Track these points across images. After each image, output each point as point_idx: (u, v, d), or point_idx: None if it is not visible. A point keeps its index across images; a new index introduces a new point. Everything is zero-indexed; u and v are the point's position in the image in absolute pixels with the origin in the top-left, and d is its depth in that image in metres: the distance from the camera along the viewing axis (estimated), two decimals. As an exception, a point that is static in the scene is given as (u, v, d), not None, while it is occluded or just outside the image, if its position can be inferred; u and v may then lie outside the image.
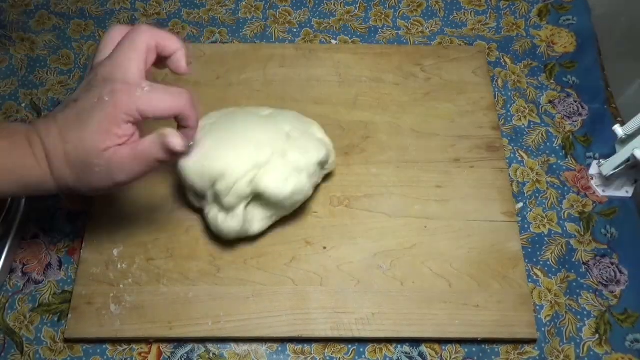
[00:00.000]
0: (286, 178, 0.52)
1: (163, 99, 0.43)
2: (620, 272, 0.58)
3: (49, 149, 0.42)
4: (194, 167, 0.53)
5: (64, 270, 0.58)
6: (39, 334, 0.55)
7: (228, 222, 0.54)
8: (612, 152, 0.59)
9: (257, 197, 0.53)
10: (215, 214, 0.55)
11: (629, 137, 0.56)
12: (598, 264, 0.58)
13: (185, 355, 0.54)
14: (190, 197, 0.57)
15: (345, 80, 0.67)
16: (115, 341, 0.54)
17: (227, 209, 0.53)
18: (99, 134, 0.41)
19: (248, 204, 0.54)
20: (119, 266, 0.56)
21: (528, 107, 0.68)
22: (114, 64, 0.43)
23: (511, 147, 0.65)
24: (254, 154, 0.53)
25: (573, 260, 0.58)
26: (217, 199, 0.53)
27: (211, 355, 0.54)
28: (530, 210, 0.61)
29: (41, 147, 0.42)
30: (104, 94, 0.42)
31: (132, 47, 0.43)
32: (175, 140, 0.44)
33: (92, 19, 0.74)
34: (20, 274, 0.57)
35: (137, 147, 0.43)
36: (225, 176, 0.51)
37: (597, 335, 0.55)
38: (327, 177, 0.61)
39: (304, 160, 0.54)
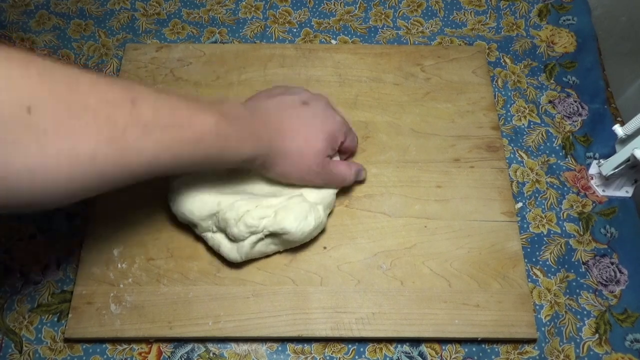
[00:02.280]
0: (305, 216, 0.52)
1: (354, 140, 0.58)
2: (620, 271, 0.58)
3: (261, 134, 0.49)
4: (197, 196, 0.52)
5: (62, 269, 0.58)
6: (39, 334, 0.54)
7: (233, 253, 0.53)
8: (612, 152, 0.59)
9: (273, 235, 0.53)
10: (218, 240, 0.54)
11: (629, 137, 0.55)
12: (598, 263, 0.58)
13: (185, 355, 0.54)
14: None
15: (345, 80, 0.67)
16: (115, 341, 0.54)
17: (234, 239, 0.52)
18: (325, 141, 0.52)
19: (260, 240, 0.53)
20: (119, 266, 0.56)
21: (528, 107, 0.68)
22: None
23: (511, 147, 0.65)
24: (265, 199, 0.52)
25: (572, 260, 0.58)
26: (222, 228, 0.52)
27: (211, 355, 0.54)
28: (530, 211, 0.61)
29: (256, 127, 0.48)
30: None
31: None
32: (364, 173, 0.59)
33: (92, 19, 0.74)
34: (18, 275, 0.57)
35: (334, 166, 0.54)
36: (234, 208, 0.51)
37: (597, 335, 0.55)
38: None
39: (320, 195, 0.54)
